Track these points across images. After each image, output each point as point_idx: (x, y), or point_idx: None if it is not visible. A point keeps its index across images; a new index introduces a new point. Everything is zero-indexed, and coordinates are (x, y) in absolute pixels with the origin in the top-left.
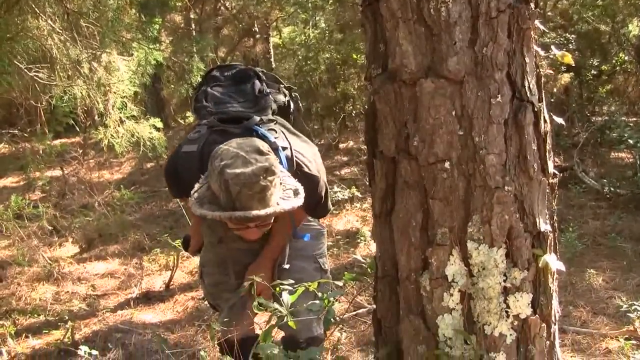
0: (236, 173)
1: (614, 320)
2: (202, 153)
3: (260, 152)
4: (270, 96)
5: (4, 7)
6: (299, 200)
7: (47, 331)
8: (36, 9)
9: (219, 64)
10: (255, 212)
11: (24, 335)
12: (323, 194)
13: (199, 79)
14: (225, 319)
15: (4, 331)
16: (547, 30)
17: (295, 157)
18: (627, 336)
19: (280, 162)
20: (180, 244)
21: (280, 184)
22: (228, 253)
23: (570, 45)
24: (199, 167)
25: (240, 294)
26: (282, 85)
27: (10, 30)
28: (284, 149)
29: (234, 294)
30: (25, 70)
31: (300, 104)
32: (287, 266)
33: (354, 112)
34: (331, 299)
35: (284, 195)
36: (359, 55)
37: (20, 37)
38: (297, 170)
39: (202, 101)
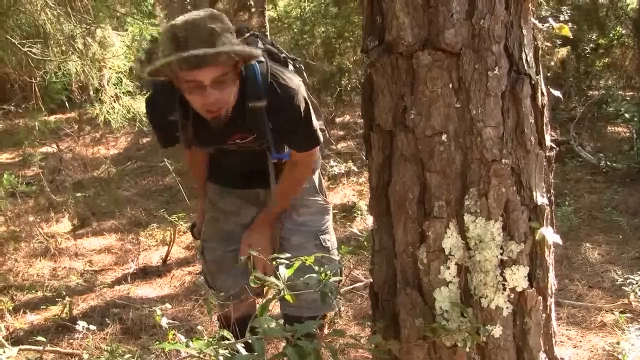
0: (184, 20)
1: (609, 293)
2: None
3: (210, 10)
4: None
5: None
6: (257, 51)
7: (44, 307)
8: None
9: None
10: (203, 50)
11: (21, 310)
12: (303, 112)
13: None
14: (230, 291)
15: (2, 307)
16: (544, 2)
17: (272, 70)
18: (622, 309)
19: (255, 73)
20: (176, 220)
21: (231, 33)
22: (231, 228)
23: (565, 17)
24: (169, 93)
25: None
26: (283, 55)
27: (2, 4)
28: (260, 62)
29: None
30: (19, 45)
31: (305, 75)
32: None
33: (350, 86)
34: (329, 273)
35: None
36: (354, 29)
37: (12, 11)
38: (271, 81)
39: None
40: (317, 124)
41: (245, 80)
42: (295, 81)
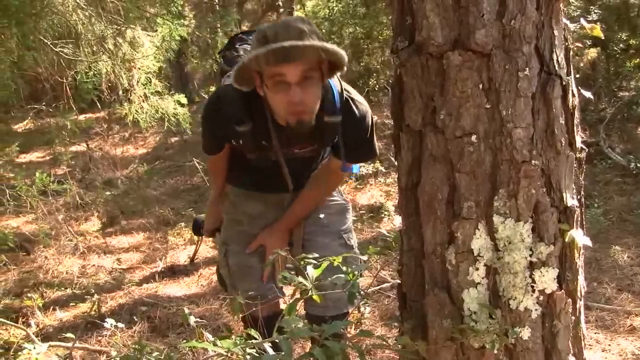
0: (273, 23)
1: (639, 297)
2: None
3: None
4: None
5: None
6: (343, 52)
7: (74, 304)
8: None
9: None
10: (293, 42)
11: (51, 308)
12: (370, 130)
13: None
14: (250, 293)
15: (32, 304)
16: (574, 1)
17: (344, 87)
18: None
19: (332, 89)
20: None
21: (319, 37)
22: (257, 232)
23: (595, 17)
24: (241, 103)
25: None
26: None
27: (35, 6)
28: (334, 83)
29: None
30: (51, 46)
31: None
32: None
33: (378, 86)
34: (356, 272)
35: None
36: (382, 29)
37: (45, 13)
38: (346, 101)
39: (234, 52)
40: (375, 138)
41: (323, 96)
42: (364, 101)
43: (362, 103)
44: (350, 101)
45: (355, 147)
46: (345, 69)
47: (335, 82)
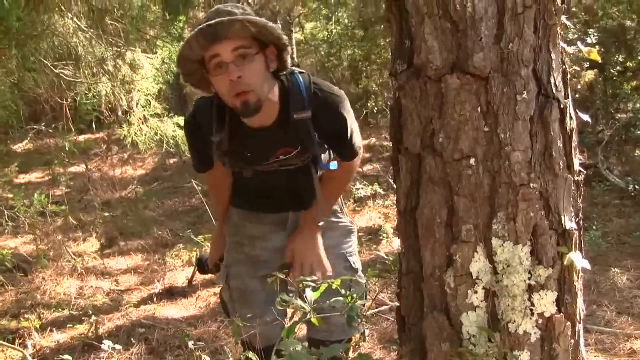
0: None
1: (638, 320)
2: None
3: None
4: None
5: (30, 5)
6: (272, 25)
7: (71, 325)
8: (62, 7)
9: None
10: (218, 20)
11: (48, 329)
12: (348, 119)
13: None
14: (249, 316)
15: (30, 325)
16: (572, 26)
17: (313, 80)
18: None
19: (297, 84)
20: (203, 241)
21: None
22: (258, 253)
23: (592, 40)
24: (216, 109)
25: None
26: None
27: (36, 28)
28: (302, 73)
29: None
30: (52, 67)
31: None
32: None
33: (376, 108)
34: (355, 296)
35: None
36: (380, 52)
37: (46, 35)
38: (314, 93)
39: None
40: (358, 130)
41: (289, 92)
42: (338, 89)
43: (333, 93)
44: (319, 92)
45: (337, 138)
46: (284, 43)
47: (304, 77)
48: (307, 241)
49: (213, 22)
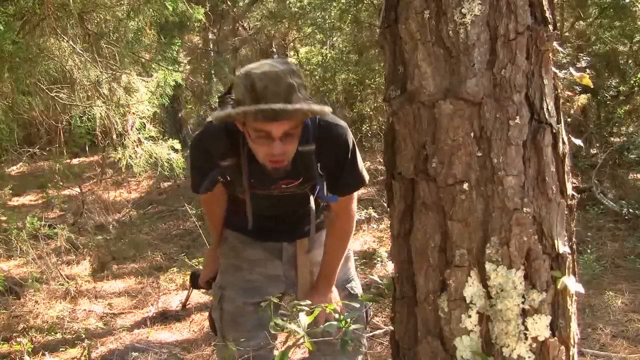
0: (263, 71)
1: (633, 343)
2: (227, 124)
3: (286, 62)
4: None
5: (25, 28)
6: (326, 108)
7: (63, 349)
8: (57, 30)
9: None
10: (282, 105)
11: (40, 353)
12: (351, 150)
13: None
14: (242, 340)
15: (21, 348)
16: (564, 52)
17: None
18: None
19: (306, 123)
20: (196, 265)
21: (305, 89)
22: (255, 278)
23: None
24: (225, 138)
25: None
26: None
27: (31, 51)
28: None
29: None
30: (46, 90)
31: None
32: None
33: (370, 132)
34: (348, 320)
35: (308, 101)
36: (374, 76)
37: (41, 58)
38: (320, 123)
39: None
40: (362, 164)
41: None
42: (342, 123)
43: (337, 122)
44: (324, 124)
45: (337, 169)
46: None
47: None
48: (324, 295)
49: (277, 107)
